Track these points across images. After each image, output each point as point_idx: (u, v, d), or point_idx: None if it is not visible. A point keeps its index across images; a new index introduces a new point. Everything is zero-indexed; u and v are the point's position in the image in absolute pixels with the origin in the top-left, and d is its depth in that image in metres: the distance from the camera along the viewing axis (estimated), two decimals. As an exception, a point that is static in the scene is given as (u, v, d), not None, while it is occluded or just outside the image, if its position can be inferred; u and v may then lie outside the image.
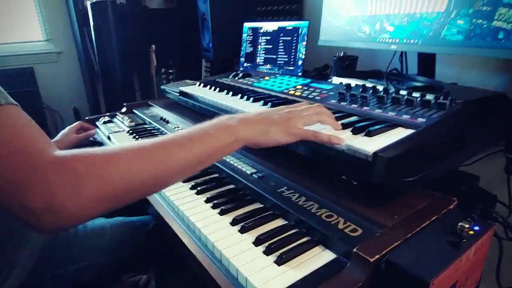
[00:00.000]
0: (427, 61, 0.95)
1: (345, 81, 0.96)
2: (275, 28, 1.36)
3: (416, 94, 0.71)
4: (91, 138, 1.18)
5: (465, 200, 0.61)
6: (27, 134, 0.42)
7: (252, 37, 1.47)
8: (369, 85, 0.84)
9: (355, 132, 0.60)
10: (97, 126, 1.26)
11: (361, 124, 0.62)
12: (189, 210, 0.65)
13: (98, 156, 0.43)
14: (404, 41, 0.88)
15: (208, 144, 0.52)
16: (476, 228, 0.50)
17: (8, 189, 0.39)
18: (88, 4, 1.95)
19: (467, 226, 0.48)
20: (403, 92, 0.74)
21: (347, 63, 1.14)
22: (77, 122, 1.19)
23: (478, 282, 0.57)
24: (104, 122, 1.27)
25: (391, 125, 0.61)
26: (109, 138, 1.11)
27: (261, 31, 1.42)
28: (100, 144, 1.14)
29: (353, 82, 0.93)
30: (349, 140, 0.57)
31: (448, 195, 0.60)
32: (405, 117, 0.63)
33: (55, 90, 2.51)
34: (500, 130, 0.74)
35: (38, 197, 0.38)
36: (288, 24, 1.31)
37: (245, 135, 0.55)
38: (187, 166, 0.50)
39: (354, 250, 0.47)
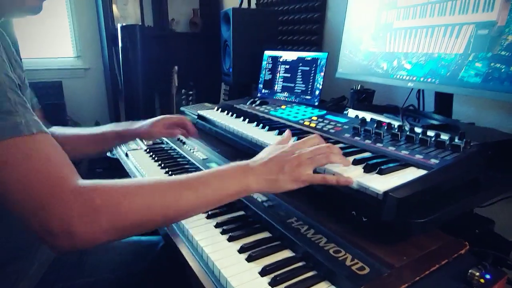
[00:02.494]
0: (444, 100, 0.95)
1: (361, 114, 0.97)
2: (295, 58, 1.40)
3: (430, 133, 0.71)
4: (108, 154, 1.21)
5: (478, 245, 0.60)
6: (54, 162, 0.46)
7: (271, 65, 1.51)
8: (384, 120, 0.84)
9: (367, 169, 0.61)
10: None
11: (374, 161, 0.63)
12: (198, 234, 0.66)
13: (116, 190, 0.48)
14: (421, 79, 0.89)
15: (219, 191, 0.56)
16: (488, 276, 0.49)
17: (32, 210, 0.43)
18: (118, 26, 2.06)
19: (477, 274, 0.47)
20: (418, 130, 0.74)
21: (363, 96, 1.16)
22: (180, 117, 1.05)
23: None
24: (123, 139, 1.31)
25: (404, 164, 0.62)
26: (127, 155, 1.15)
27: (281, 59, 1.46)
28: (117, 160, 1.17)
29: (368, 116, 0.94)
30: (360, 177, 0.58)
31: (460, 238, 0.59)
32: (418, 157, 0.63)
33: (79, 104, 2.61)
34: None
35: (57, 220, 0.43)
36: (307, 55, 1.35)
37: (254, 186, 0.58)
38: (196, 207, 0.55)
39: (360, 289, 0.46)
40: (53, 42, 2.54)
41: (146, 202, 0.49)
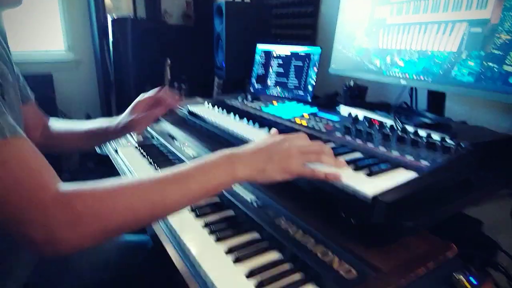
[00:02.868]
0: (436, 98, 0.94)
1: (353, 111, 0.96)
2: (288, 53, 1.38)
3: (422, 133, 0.70)
4: (98, 151, 1.19)
5: (466, 246, 0.59)
6: (32, 168, 0.44)
7: (264, 59, 1.49)
8: (376, 117, 0.84)
9: (357, 170, 0.60)
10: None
11: (364, 162, 0.62)
12: (186, 235, 0.65)
13: (98, 192, 0.46)
14: (414, 77, 0.88)
15: (206, 182, 0.54)
16: (473, 280, 0.49)
17: (11, 219, 0.42)
18: (109, 19, 2.02)
19: (462, 278, 0.47)
20: (409, 129, 0.73)
21: (356, 93, 1.15)
22: (153, 95, 0.97)
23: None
24: (114, 135, 1.29)
25: (394, 166, 0.61)
26: (116, 151, 1.13)
27: (274, 54, 1.44)
28: (107, 156, 1.16)
29: (361, 113, 0.93)
30: (350, 178, 0.57)
31: (448, 240, 0.58)
32: (409, 158, 0.62)
33: (70, 96, 2.57)
34: (508, 175, 0.73)
35: (39, 230, 0.41)
36: (301, 50, 1.33)
37: (242, 175, 0.56)
38: (183, 202, 0.53)
39: (346, 294, 0.46)
40: (43, 34, 2.49)
41: (130, 202, 0.48)
